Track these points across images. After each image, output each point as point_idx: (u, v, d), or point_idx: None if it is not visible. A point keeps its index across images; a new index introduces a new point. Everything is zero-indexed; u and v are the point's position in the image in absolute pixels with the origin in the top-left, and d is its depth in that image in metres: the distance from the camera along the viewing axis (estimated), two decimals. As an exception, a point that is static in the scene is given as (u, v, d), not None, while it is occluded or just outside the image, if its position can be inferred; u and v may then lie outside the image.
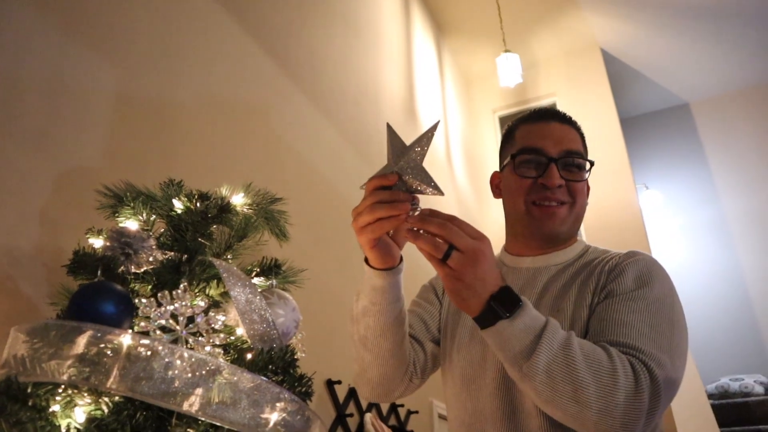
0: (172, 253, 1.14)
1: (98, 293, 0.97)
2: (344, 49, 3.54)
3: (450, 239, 0.88)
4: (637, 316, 1.03)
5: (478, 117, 6.32)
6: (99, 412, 0.91)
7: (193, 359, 0.91)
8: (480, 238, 0.90)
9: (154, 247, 1.11)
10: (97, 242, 1.16)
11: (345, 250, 2.76)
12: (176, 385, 0.89)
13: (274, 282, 1.26)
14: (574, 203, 1.23)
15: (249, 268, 1.29)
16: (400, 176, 0.90)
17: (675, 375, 1.00)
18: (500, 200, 1.34)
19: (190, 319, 1.01)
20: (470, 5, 5.45)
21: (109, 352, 0.89)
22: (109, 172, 1.57)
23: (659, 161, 7.37)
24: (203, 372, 0.91)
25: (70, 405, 0.93)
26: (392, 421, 2.95)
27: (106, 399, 0.91)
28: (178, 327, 0.99)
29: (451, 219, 0.90)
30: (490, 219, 5.46)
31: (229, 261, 1.24)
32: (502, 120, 6.25)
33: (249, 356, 1.03)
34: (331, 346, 2.44)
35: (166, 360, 0.89)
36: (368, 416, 2.58)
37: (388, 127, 0.94)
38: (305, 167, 2.74)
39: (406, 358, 1.20)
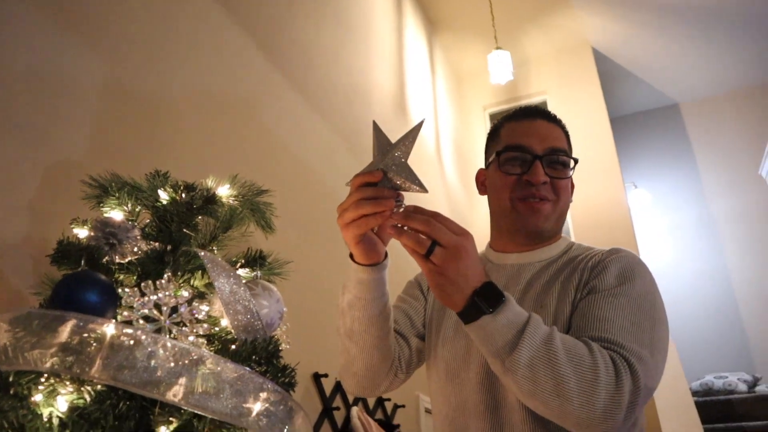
0: (157, 243, 1.14)
1: (81, 282, 0.97)
2: (335, 44, 3.53)
3: (433, 235, 0.89)
4: (619, 312, 1.05)
5: (469, 114, 6.33)
6: (81, 401, 0.91)
7: (176, 349, 0.91)
8: (463, 234, 0.91)
9: (138, 237, 1.11)
10: (82, 232, 1.16)
11: (333, 244, 2.76)
12: (159, 374, 0.89)
13: (259, 273, 1.27)
14: (558, 200, 1.24)
15: (234, 259, 1.29)
16: (385, 173, 0.91)
17: (655, 370, 1.01)
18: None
19: (174, 309, 1.01)
20: (462, 2, 5.45)
21: (91, 341, 0.89)
22: (97, 163, 1.56)
23: (648, 160, 7.42)
24: (186, 361, 0.91)
25: (52, 394, 0.93)
26: (379, 414, 2.96)
27: (89, 388, 0.91)
28: (161, 317, 0.99)
29: (435, 215, 0.91)
30: (480, 215, 5.48)
31: (215, 252, 1.25)
32: (493, 117, 6.27)
33: (233, 347, 1.04)
34: (318, 340, 2.44)
35: (149, 349, 0.90)
36: (355, 410, 2.58)
37: (374, 124, 0.95)
38: (294, 161, 2.74)
39: (391, 352, 1.21)
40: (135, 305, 0.98)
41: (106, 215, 1.19)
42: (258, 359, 1.03)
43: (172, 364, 0.90)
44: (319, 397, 2.47)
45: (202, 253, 1.10)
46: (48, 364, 0.90)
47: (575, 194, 1.33)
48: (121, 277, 1.10)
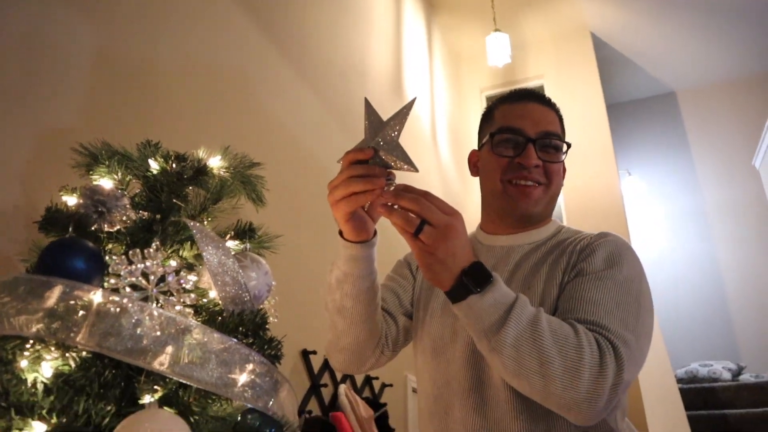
0: (146, 213, 1.14)
1: (68, 249, 0.97)
2: (332, 20, 3.50)
3: (423, 214, 0.89)
4: (605, 295, 1.05)
5: (466, 96, 6.30)
6: (67, 367, 0.91)
7: (162, 318, 0.92)
8: (452, 213, 0.92)
9: (127, 206, 1.11)
10: (71, 200, 1.15)
11: (324, 220, 2.75)
12: (145, 342, 0.89)
13: (248, 246, 1.27)
14: (550, 184, 1.24)
15: (224, 231, 1.29)
16: (377, 151, 0.91)
17: (639, 353, 1.02)
18: None
19: (162, 279, 1.01)
20: (462, -18, 5.41)
21: (78, 308, 0.89)
22: (87, 131, 1.55)
23: (643, 148, 7.42)
24: (172, 330, 0.91)
25: (38, 360, 0.93)
26: (366, 393, 2.98)
27: (74, 354, 0.91)
28: (148, 285, 0.99)
29: (425, 194, 0.91)
30: (473, 197, 5.46)
31: (205, 224, 1.24)
32: (489, 100, 6.22)
33: (220, 319, 1.04)
34: (307, 316, 2.44)
35: (136, 317, 0.90)
36: (342, 387, 2.60)
37: (366, 102, 0.95)
38: (287, 136, 2.73)
39: (378, 329, 1.22)
40: (122, 273, 0.97)
41: (95, 183, 1.18)
42: (245, 331, 1.03)
43: (159, 333, 0.90)
44: (307, 374, 2.48)
45: (191, 224, 1.10)
46: (33, 330, 0.90)
47: (569, 179, 1.34)
48: (110, 245, 1.10)
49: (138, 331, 0.89)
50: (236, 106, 2.38)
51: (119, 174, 1.20)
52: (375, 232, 1.07)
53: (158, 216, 1.14)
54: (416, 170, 0.91)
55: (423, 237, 0.90)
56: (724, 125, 7.10)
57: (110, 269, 0.98)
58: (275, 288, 1.29)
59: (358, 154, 0.93)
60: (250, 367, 0.98)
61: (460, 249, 0.92)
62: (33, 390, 0.90)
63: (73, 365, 0.91)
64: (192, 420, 0.97)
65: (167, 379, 0.93)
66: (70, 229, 1.05)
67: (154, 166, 1.23)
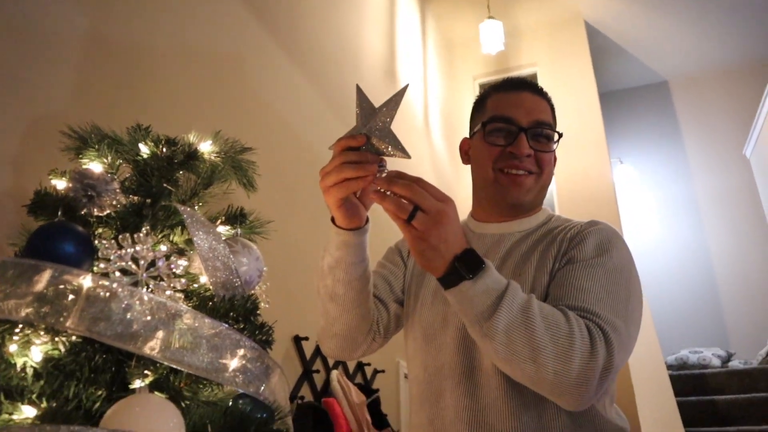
0: (136, 197, 1.13)
1: (57, 232, 0.96)
2: (326, 6, 3.47)
3: (415, 200, 0.89)
4: (596, 282, 1.06)
5: (459, 83, 6.28)
6: (56, 352, 0.91)
7: (152, 302, 0.91)
8: (445, 200, 0.92)
9: (117, 190, 1.10)
10: (60, 183, 1.14)
11: (316, 206, 2.75)
12: (135, 327, 0.89)
13: (239, 231, 1.26)
14: (542, 173, 1.25)
15: (215, 216, 1.28)
16: (369, 138, 0.91)
17: (628, 340, 1.03)
18: None
19: (152, 263, 1.01)
20: (456, -32, 5.37)
21: (67, 292, 0.89)
22: (78, 115, 1.53)
23: (635, 136, 7.43)
24: (163, 315, 0.91)
25: (27, 344, 0.92)
26: (358, 379, 2.99)
27: (63, 339, 0.90)
28: (138, 270, 0.98)
29: (417, 181, 0.91)
30: (466, 185, 5.45)
31: (195, 209, 1.24)
32: (483, 87, 6.19)
33: (211, 304, 1.04)
34: (299, 302, 2.45)
35: (125, 302, 0.89)
36: (335, 373, 2.61)
37: (358, 88, 0.94)
38: (279, 122, 2.71)
39: (370, 316, 1.22)
40: (112, 257, 0.97)
41: (85, 167, 1.17)
42: (236, 316, 1.03)
43: (149, 318, 0.90)
44: (299, 360, 2.48)
45: (182, 208, 1.09)
46: (23, 314, 0.89)
47: (560, 167, 1.34)
48: (100, 230, 1.09)
49: (128, 316, 0.89)
50: (228, 91, 2.36)
51: (109, 158, 1.19)
52: (367, 219, 1.08)
53: (148, 200, 1.13)
54: (408, 157, 0.91)
55: (416, 223, 0.90)
56: (716, 114, 7.11)
57: (100, 254, 0.97)
58: (266, 273, 1.29)
59: (350, 141, 0.93)
60: (241, 352, 0.98)
61: (453, 235, 0.92)
62: (22, 374, 0.90)
63: (62, 350, 0.91)
64: (183, 405, 0.97)
65: (158, 364, 0.93)
66: (60, 213, 1.04)
67: (145, 150, 1.22)
